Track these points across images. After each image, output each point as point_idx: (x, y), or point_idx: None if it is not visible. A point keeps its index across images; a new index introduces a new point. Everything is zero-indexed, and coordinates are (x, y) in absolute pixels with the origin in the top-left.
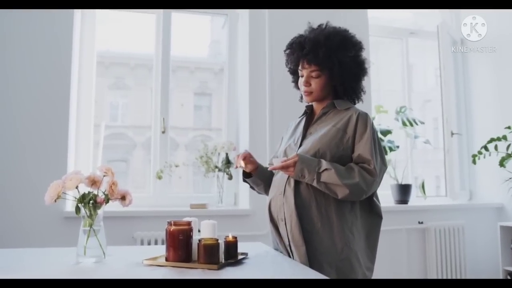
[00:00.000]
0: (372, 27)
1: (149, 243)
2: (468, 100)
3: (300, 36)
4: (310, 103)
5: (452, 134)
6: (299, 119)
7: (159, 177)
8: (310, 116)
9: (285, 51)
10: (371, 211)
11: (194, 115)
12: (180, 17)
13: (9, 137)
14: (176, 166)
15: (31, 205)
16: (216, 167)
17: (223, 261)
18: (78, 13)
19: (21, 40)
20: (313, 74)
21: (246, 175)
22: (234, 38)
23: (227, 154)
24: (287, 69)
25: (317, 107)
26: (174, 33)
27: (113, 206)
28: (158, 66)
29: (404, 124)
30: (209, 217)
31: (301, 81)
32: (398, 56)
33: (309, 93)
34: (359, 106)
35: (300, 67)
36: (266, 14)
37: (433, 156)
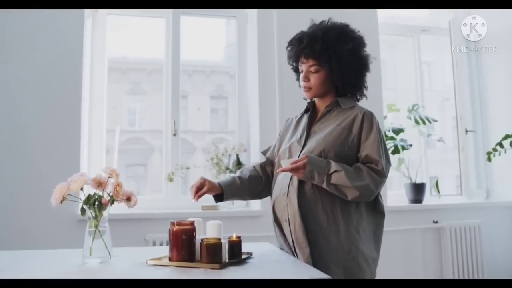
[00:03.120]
0: (383, 25)
1: (161, 245)
2: (483, 97)
3: (300, 32)
4: (311, 100)
5: (467, 131)
6: (300, 115)
7: (170, 179)
8: (312, 113)
9: (286, 48)
10: (375, 210)
11: (211, 118)
12: (194, 21)
13: (23, 143)
14: (187, 168)
15: (44, 209)
16: (227, 168)
17: (226, 260)
18: (88, 19)
19: (32, 47)
20: (312, 69)
21: (217, 198)
22: (243, 40)
23: (237, 155)
24: (290, 66)
25: (320, 104)
26: (190, 38)
27: (126, 209)
28: (168, 68)
29: (416, 122)
30: (221, 218)
31: (301, 77)
32: (416, 55)
33: (309, 89)
34: (368, 103)
35: (299, 63)
36: (274, 14)
37: (453, 155)
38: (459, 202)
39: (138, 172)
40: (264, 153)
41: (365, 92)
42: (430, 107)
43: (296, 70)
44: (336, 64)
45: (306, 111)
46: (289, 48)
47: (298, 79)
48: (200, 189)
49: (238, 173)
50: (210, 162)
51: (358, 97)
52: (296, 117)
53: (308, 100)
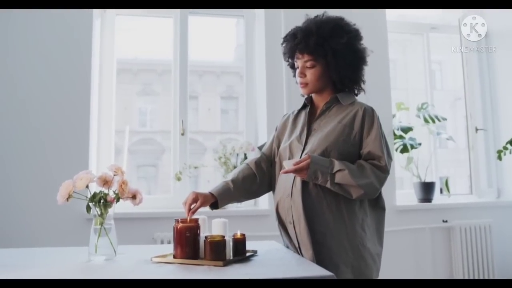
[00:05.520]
0: (392, 23)
1: (169, 243)
2: (494, 95)
3: (295, 27)
4: (308, 95)
5: (477, 130)
6: (297, 111)
7: (178, 179)
8: (310, 110)
9: (281, 44)
10: (377, 205)
11: (221, 119)
12: (204, 22)
13: (32, 144)
14: (195, 167)
15: (53, 208)
16: (235, 167)
17: (231, 258)
18: (97, 20)
19: (41, 48)
20: (308, 64)
21: (213, 206)
22: (251, 40)
23: (245, 154)
24: (287, 63)
25: (317, 100)
26: (200, 38)
27: (134, 208)
28: (177, 68)
29: (425, 120)
30: (228, 217)
31: (297, 72)
32: (425, 53)
33: (305, 85)
34: (377, 102)
35: (295, 59)
36: (281, 14)
37: (465, 155)
38: (469, 201)
39: (149, 173)
40: (260, 148)
41: (363, 86)
42: (442, 106)
43: (292, 67)
44: (332, 58)
45: (303, 107)
46: (284, 44)
47: (294, 76)
48: (192, 206)
49: (231, 176)
50: (218, 162)
51: (356, 92)
52: (293, 113)
53: (305, 96)
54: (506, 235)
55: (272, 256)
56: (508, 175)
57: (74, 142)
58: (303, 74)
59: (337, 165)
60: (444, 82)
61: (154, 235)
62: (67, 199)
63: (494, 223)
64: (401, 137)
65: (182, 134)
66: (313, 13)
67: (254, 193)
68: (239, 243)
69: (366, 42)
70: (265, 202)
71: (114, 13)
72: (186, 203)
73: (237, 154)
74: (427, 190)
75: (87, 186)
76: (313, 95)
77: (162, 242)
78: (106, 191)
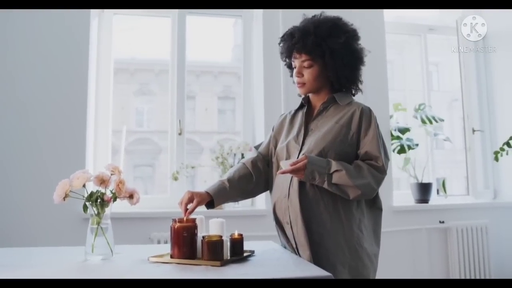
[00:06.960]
0: (390, 24)
1: (165, 243)
2: (491, 96)
3: (292, 27)
4: (306, 95)
5: (474, 131)
6: (294, 111)
7: (175, 178)
8: (308, 110)
9: (279, 43)
10: (374, 206)
11: (219, 119)
12: (202, 22)
13: (29, 143)
14: (192, 167)
15: (50, 208)
16: (232, 167)
17: (228, 258)
18: (95, 20)
19: (38, 47)
20: (305, 64)
21: (208, 205)
22: (248, 40)
23: (242, 154)
24: (284, 63)
25: (315, 100)
26: (198, 38)
27: (131, 208)
28: (174, 68)
29: (423, 121)
30: (225, 217)
31: (294, 72)
32: (422, 54)
33: (302, 85)
34: (374, 103)
35: (292, 58)
36: (280, 14)
37: (462, 156)
38: (466, 202)
39: (146, 173)
40: (256, 147)
41: (360, 86)
42: (439, 107)
43: (290, 66)
44: (330, 58)
45: (300, 107)
46: (281, 44)
47: (291, 76)
48: (188, 206)
49: (226, 175)
50: (215, 162)
51: (353, 92)
52: (290, 113)
53: (303, 96)
54: (502, 236)
55: (270, 256)
56: (504, 176)
57: (71, 141)
58: (300, 74)
59: (334, 165)
60: (441, 83)
61: (151, 235)
62: (64, 198)
63: (490, 224)
64: (398, 137)
65: (179, 134)
66: (311, 13)
67: (250, 193)
68: (237, 243)
69: (364, 42)
70: (262, 202)
71: (112, 12)
72: (182, 203)
73: (234, 154)
74: (424, 191)
75: (84, 186)
76: (310, 95)
77: (158, 242)
78: (103, 191)
